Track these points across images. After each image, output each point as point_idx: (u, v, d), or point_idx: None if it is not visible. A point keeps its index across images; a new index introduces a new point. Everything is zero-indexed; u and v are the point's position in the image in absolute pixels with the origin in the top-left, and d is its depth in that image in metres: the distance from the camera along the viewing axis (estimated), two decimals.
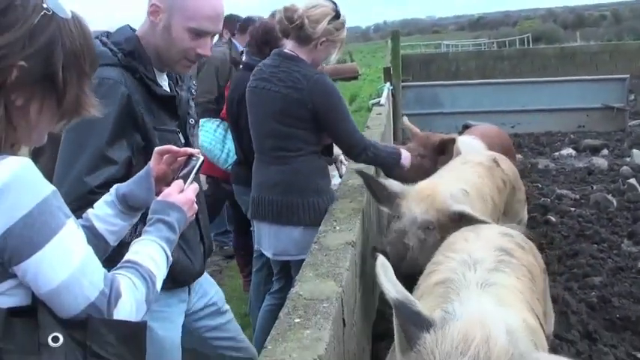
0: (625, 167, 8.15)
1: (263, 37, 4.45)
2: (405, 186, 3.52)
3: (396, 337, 1.79)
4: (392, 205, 3.50)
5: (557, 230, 6.04)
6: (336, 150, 4.75)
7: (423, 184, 3.55)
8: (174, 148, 2.02)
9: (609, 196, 6.84)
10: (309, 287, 2.57)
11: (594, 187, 7.43)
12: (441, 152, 4.60)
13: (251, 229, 4.05)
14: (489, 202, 3.82)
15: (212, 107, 5.35)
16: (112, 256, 1.84)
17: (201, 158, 2.03)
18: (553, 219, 6.31)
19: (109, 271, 1.61)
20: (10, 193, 1.39)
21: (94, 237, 1.81)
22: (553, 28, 61.48)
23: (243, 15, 6.23)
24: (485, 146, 5.34)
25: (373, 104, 8.82)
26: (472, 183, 3.73)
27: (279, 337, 2.18)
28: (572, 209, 6.62)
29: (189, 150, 2.03)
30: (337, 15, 3.55)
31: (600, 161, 8.73)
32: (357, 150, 3.64)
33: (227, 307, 2.89)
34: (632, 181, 7.26)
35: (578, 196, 7.12)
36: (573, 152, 9.54)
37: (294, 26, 3.50)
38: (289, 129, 3.52)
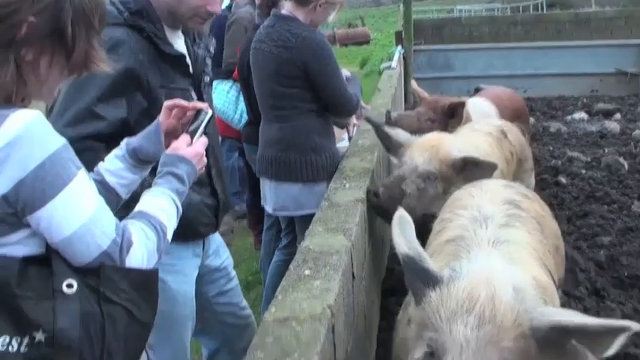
0: (637, 131, 8.10)
1: None
2: (411, 136, 3.50)
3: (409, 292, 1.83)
4: (398, 154, 3.49)
5: (568, 192, 6.04)
6: None
7: (430, 136, 3.52)
8: (183, 102, 2.04)
9: (621, 159, 6.81)
10: (318, 241, 2.61)
11: (606, 150, 7.40)
12: (451, 116, 4.57)
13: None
14: (498, 173, 3.78)
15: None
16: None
17: (210, 112, 2.05)
18: (564, 180, 6.30)
19: (120, 221, 1.64)
20: (21, 146, 1.43)
21: (105, 190, 1.85)
22: None
23: None
24: (496, 109, 5.27)
25: (384, 68, 8.79)
26: (482, 150, 3.68)
27: (289, 288, 2.22)
28: (583, 171, 6.60)
29: (198, 104, 2.06)
30: None
31: (613, 125, 8.67)
32: (348, 108, 3.67)
33: (234, 273, 2.95)
34: None
35: (589, 159, 7.09)
36: (586, 116, 9.47)
37: None
38: (284, 88, 3.59)
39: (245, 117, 5.02)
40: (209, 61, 2.70)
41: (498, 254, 2.05)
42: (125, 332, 1.53)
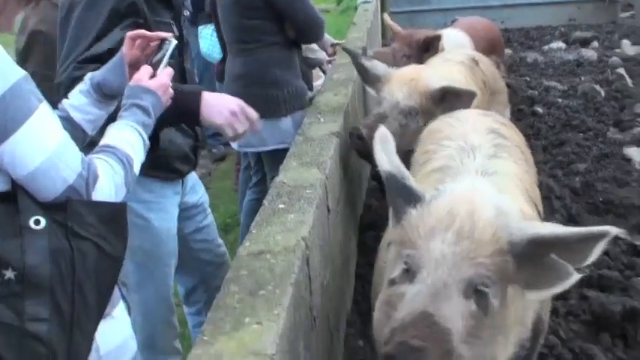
0: (614, 58, 8.09)
1: None
2: (387, 68, 3.44)
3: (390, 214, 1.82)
4: (376, 88, 3.44)
5: (544, 121, 6.04)
6: (322, 53, 4.72)
7: (407, 68, 3.47)
8: (146, 32, 1.99)
9: (597, 87, 6.81)
10: (292, 175, 2.60)
11: (582, 79, 7.38)
12: (426, 50, 4.50)
13: None
14: (473, 103, 3.75)
15: None
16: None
17: (174, 42, 2.01)
18: (540, 110, 6.30)
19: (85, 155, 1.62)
20: None
21: (71, 127, 1.81)
22: None
23: None
24: (471, 39, 5.19)
25: (361, 3, 8.64)
26: (457, 81, 3.63)
27: (263, 222, 2.23)
28: (560, 100, 6.60)
29: (162, 34, 2.01)
30: None
31: (590, 53, 8.64)
32: (316, 30, 3.63)
33: (209, 210, 2.95)
34: (621, 70, 7.23)
35: (566, 88, 7.08)
36: (563, 45, 9.41)
37: None
38: (247, 20, 3.54)
39: None
40: None
41: (487, 183, 2.02)
42: (96, 267, 1.52)
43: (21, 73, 1.48)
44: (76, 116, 1.87)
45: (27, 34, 3.11)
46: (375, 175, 4.36)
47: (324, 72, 5.02)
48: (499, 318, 1.61)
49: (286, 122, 3.63)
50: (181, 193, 2.71)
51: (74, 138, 1.64)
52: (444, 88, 3.18)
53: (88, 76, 1.92)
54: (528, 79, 7.66)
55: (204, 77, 5.95)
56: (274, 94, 3.60)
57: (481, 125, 2.53)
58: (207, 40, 5.16)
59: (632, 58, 8.15)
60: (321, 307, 2.33)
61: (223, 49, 4.44)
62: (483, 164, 2.19)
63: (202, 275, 2.90)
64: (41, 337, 1.42)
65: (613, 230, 1.48)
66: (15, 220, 1.47)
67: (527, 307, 1.77)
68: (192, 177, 2.83)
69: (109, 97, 1.92)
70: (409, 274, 1.64)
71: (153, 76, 1.90)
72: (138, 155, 1.74)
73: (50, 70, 3.04)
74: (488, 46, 5.19)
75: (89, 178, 1.55)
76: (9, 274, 1.42)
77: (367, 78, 3.51)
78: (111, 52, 2.05)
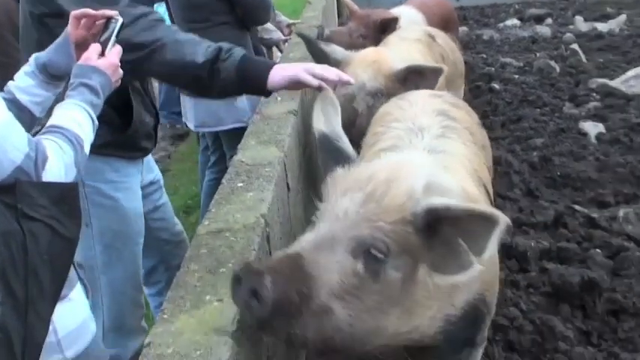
0: (568, 34, 8.21)
1: None
2: (347, 52, 3.40)
3: None
4: None
5: (501, 97, 6.10)
6: (278, 34, 4.67)
7: (367, 51, 3.43)
8: (91, 11, 1.92)
9: (552, 62, 6.89)
10: (251, 154, 2.57)
11: (538, 55, 7.47)
12: (383, 31, 4.47)
13: None
14: None
15: None
16: None
17: (121, 20, 1.95)
18: (497, 86, 6.36)
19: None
20: None
21: (17, 109, 1.75)
22: None
23: None
24: (424, 16, 5.18)
25: None
26: (416, 60, 3.58)
27: (222, 201, 2.19)
28: (516, 76, 6.67)
29: (107, 12, 1.94)
30: None
31: (544, 30, 8.76)
32: (261, 12, 3.62)
33: (164, 189, 2.92)
34: (575, 46, 7.32)
35: (522, 64, 7.16)
36: (518, 22, 9.53)
37: None
38: None
39: None
40: None
41: (432, 160, 2.00)
42: (49, 249, 1.48)
43: None
44: (23, 98, 1.81)
45: None
46: None
47: (280, 52, 4.98)
48: (399, 292, 1.55)
49: (242, 101, 3.60)
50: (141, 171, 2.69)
51: (21, 121, 1.59)
52: (408, 67, 3.14)
53: (33, 56, 1.86)
54: (485, 56, 7.72)
55: None
56: None
57: (430, 107, 2.49)
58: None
59: (585, 34, 8.28)
60: None
61: None
62: (431, 143, 2.15)
63: (162, 255, 2.88)
64: None
65: (502, 218, 1.40)
66: None
67: (454, 289, 1.70)
68: (148, 155, 2.79)
69: (56, 77, 1.86)
70: (313, 227, 1.62)
71: (102, 55, 1.85)
72: (87, 135, 1.70)
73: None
74: (442, 23, 5.17)
75: (38, 158, 1.50)
76: None
77: (325, 61, 3.46)
78: None
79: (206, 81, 2.24)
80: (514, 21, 9.58)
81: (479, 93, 6.22)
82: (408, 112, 2.48)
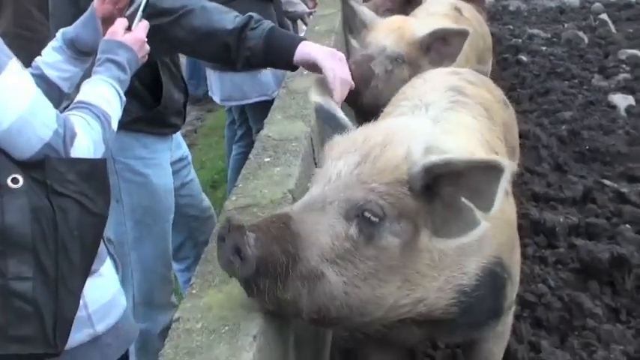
0: (596, 4, 8.06)
1: None
2: (375, 16, 3.34)
3: None
4: (360, 37, 3.32)
5: (529, 70, 6.02)
6: (302, 6, 4.64)
7: (394, 18, 3.37)
8: None
9: (580, 33, 6.79)
10: (277, 128, 2.55)
11: (566, 26, 7.36)
12: (408, 3, 4.42)
13: None
14: (461, 55, 3.66)
15: None
16: None
17: None
18: (524, 59, 6.27)
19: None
20: None
21: (46, 85, 1.75)
22: None
23: None
24: None
25: None
26: None
27: (250, 176, 2.19)
28: (544, 48, 6.58)
29: None
30: None
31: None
32: None
33: (192, 166, 2.93)
34: (604, 16, 7.20)
35: (549, 35, 7.06)
36: None
37: None
38: None
39: None
40: None
41: (434, 125, 1.90)
42: (79, 225, 1.48)
43: None
44: (51, 74, 1.80)
45: None
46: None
47: (305, 25, 4.94)
48: (398, 259, 1.49)
49: (266, 75, 3.58)
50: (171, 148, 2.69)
51: (50, 97, 1.59)
52: (431, 33, 3.06)
53: (60, 31, 1.85)
54: (511, 27, 7.62)
55: None
56: None
57: (442, 84, 2.38)
58: None
59: (614, 4, 8.13)
60: None
61: None
62: (436, 115, 2.04)
63: (189, 231, 2.88)
64: (26, 295, 1.39)
65: (507, 164, 1.34)
66: None
67: (462, 255, 1.63)
68: (177, 132, 2.80)
69: (84, 53, 1.84)
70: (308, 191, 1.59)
71: (128, 30, 1.84)
72: (115, 112, 1.69)
73: (22, 29, 2.96)
74: None
75: (66, 135, 1.50)
76: None
77: (353, 23, 3.41)
78: None
79: (233, 50, 2.23)
80: None
81: (506, 65, 6.14)
82: (419, 90, 2.40)
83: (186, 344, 1.43)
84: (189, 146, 3.02)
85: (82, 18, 1.85)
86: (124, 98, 1.73)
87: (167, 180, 2.59)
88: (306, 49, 2.22)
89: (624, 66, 5.82)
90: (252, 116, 3.81)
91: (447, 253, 1.56)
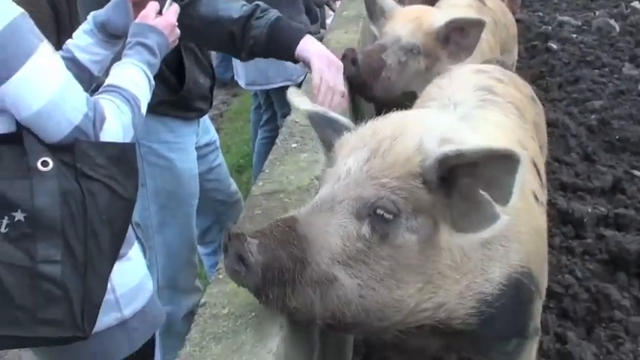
0: None
1: None
2: (395, 5, 3.25)
3: None
4: (378, 24, 3.25)
5: (558, 57, 5.93)
6: None
7: (413, 7, 3.31)
8: None
9: (611, 21, 6.67)
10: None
11: (597, 13, 7.24)
12: None
13: None
14: (485, 46, 3.60)
15: None
16: None
17: None
18: (554, 46, 6.18)
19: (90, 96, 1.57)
20: None
21: (76, 68, 1.75)
22: None
23: None
24: None
25: None
26: None
27: (277, 162, 2.19)
28: (574, 36, 6.48)
29: None
30: None
31: None
32: None
33: (220, 150, 2.93)
34: (636, 4, 7.08)
35: (580, 23, 6.95)
36: None
37: None
38: None
39: None
40: None
41: (456, 119, 1.80)
42: (108, 208, 1.49)
43: (18, 10, 1.44)
44: (82, 57, 1.80)
45: None
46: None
47: (332, 10, 4.91)
48: (417, 258, 1.42)
49: None
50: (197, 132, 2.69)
51: (80, 80, 1.59)
52: (448, 23, 2.95)
53: (92, 14, 1.85)
54: (541, 14, 7.52)
55: None
56: None
57: (471, 83, 2.30)
58: None
59: None
60: None
61: None
62: (465, 113, 1.94)
63: (216, 215, 2.89)
64: (55, 278, 1.41)
65: (522, 154, 1.29)
66: (22, 161, 1.43)
67: (486, 259, 1.56)
68: (205, 116, 2.80)
69: (114, 36, 1.84)
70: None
71: (159, 13, 1.83)
72: (144, 95, 1.69)
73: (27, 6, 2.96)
74: None
75: (96, 118, 1.50)
76: (18, 215, 1.40)
77: (373, 10, 3.35)
78: None
79: (238, 39, 2.24)
80: None
81: (535, 53, 6.06)
82: (446, 90, 2.29)
83: (212, 329, 1.43)
84: (215, 130, 3.01)
85: (113, 1, 1.85)
86: (153, 82, 1.73)
87: (192, 165, 2.60)
88: (306, 46, 2.24)
89: None
90: (277, 101, 3.82)
91: (469, 256, 1.50)
